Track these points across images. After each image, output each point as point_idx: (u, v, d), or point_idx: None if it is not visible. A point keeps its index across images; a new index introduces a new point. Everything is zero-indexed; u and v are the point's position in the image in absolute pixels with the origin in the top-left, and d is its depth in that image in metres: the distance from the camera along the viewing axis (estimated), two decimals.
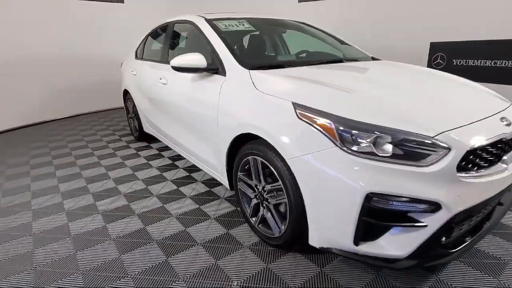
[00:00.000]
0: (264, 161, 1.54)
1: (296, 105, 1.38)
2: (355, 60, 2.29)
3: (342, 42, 2.65)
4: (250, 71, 1.74)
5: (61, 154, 3.48)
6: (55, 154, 3.46)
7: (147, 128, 3.38)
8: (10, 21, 4.53)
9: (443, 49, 3.76)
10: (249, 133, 1.59)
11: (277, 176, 1.47)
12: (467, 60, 3.59)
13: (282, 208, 1.59)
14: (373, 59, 2.40)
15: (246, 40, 2.86)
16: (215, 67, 1.93)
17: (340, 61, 2.24)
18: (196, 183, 2.54)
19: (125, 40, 5.89)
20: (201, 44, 2.25)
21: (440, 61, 3.81)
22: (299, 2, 6.37)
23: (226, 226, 1.93)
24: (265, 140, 1.48)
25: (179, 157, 3.15)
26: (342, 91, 1.43)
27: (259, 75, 1.70)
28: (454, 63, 3.69)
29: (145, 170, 2.88)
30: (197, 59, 1.92)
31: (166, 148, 3.47)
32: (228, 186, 1.97)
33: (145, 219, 2.05)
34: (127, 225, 1.99)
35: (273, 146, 1.44)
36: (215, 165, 2.04)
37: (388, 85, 1.64)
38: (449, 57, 3.73)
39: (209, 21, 2.25)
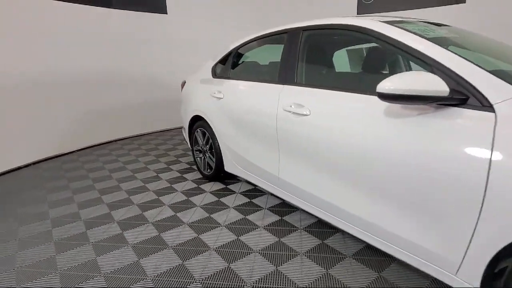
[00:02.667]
0: None
1: None
2: None
3: None
4: None
5: (108, 188, 2.66)
6: (100, 188, 2.64)
7: (233, 167, 2.57)
8: (38, 35, 3.81)
9: None
10: None
11: None
12: None
13: None
14: None
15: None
16: (462, 96, 1.14)
17: None
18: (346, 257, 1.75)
19: (169, 55, 5.20)
20: (379, 58, 1.47)
21: None
22: (357, 14, 5.75)
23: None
24: None
25: (282, 209, 2.32)
26: None
27: None
28: None
29: (254, 233, 2.05)
30: (433, 81, 1.13)
31: (255, 193, 2.65)
32: None
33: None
34: None
35: None
36: (441, 261, 1.22)
37: None
38: None
39: (393, 24, 1.49)
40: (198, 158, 3.10)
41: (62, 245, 2.03)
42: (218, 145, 2.67)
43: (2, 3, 3.39)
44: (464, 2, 4.77)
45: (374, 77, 1.64)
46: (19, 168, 3.64)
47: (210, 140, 2.76)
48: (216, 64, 2.81)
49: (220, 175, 2.85)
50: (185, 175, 3.18)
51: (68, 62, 4.06)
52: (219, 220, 2.22)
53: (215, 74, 2.79)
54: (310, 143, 1.71)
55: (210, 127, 2.72)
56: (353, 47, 2.40)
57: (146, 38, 4.92)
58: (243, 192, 2.69)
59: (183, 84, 3.36)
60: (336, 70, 2.13)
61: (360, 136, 1.44)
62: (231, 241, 1.95)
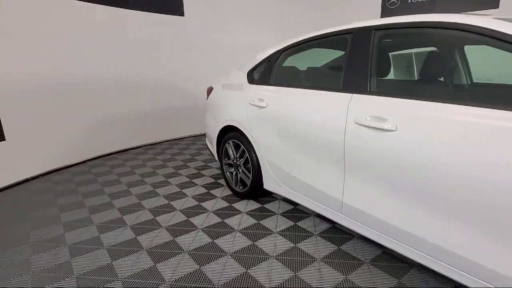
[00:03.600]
0: None
1: None
2: None
3: None
4: None
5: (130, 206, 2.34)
6: (120, 207, 2.33)
7: (275, 185, 2.26)
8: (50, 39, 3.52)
9: None
10: None
11: None
12: None
13: None
14: None
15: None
16: None
17: None
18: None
19: (185, 59, 4.93)
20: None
21: None
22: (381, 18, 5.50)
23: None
24: None
25: (335, 236, 2.01)
26: None
27: None
28: None
29: (312, 267, 1.73)
30: None
31: (297, 214, 2.33)
32: None
33: None
34: None
35: None
36: None
37: None
38: None
39: None
40: (228, 172, 2.79)
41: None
42: (257, 160, 2.36)
43: (1, 2, 3.10)
44: (498, 7, 4.58)
45: (496, 86, 1.35)
46: (26, 180, 3.32)
47: (246, 154, 2.46)
48: (253, 69, 2.52)
49: (255, 193, 2.54)
50: (212, 191, 2.86)
51: (79, 66, 3.77)
52: (266, 249, 1.90)
53: (252, 80, 2.49)
54: (396, 165, 1.40)
55: (247, 139, 2.41)
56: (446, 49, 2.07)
57: (162, 41, 4.64)
58: (284, 213, 2.38)
59: (210, 90, 3.07)
60: (431, 78, 1.80)
61: (469, 160, 1.14)
62: (288, 279, 1.64)
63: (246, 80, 2.54)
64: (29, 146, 3.31)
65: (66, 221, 2.38)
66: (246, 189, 2.57)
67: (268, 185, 2.35)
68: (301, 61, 2.35)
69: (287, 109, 2.05)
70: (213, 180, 3.15)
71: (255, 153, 2.37)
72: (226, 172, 2.81)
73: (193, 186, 3.01)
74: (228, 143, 2.67)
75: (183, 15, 4.81)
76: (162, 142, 4.97)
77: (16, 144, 3.17)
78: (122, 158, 4.13)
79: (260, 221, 2.26)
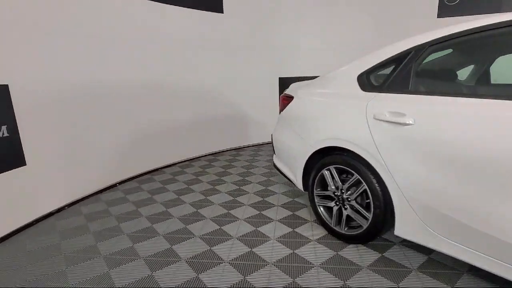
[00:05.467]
0: None
1: None
2: None
3: None
4: None
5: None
6: (189, 258, 1.67)
7: (419, 232, 1.60)
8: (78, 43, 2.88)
9: None
10: None
11: None
12: None
13: None
14: None
15: None
16: None
17: None
18: None
19: (223, 61, 4.30)
20: None
21: None
22: (438, 17, 4.93)
23: None
24: None
25: None
26: None
27: None
28: None
29: None
30: None
31: (441, 270, 1.69)
32: None
33: None
34: None
35: None
36: None
37: None
38: None
39: None
40: (323, 207, 2.14)
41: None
42: (386, 195, 1.71)
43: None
44: None
45: None
46: (50, 214, 2.64)
47: (363, 185, 1.81)
48: (368, 72, 1.89)
49: (373, 237, 1.89)
50: (298, 230, 2.20)
51: (107, 73, 3.12)
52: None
53: (369, 87, 1.85)
54: None
55: (367, 165, 1.77)
56: None
57: (198, 40, 4.01)
58: (423, 270, 1.72)
59: (286, 99, 2.43)
60: None
61: None
62: None
63: (358, 87, 1.90)
64: (54, 171, 2.64)
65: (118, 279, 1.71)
66: (358, 231, 1.91)
67: (403, 230, 1.69)
68: (469, 60, 1.73)
69: (454, 128, 1.41)
70: (289, 213, 2.49)
71: (382, 185, 1.72)
72: (318, 206, 2.16)
73: (268, 223, 2.34)
74: (327, 169, 2.03)
75: (222, 12, 4.19)
76: (199, 157, 4.31)
77: (39, 169, 2.50)
78: (159, 179, 3.46)
79: (399, 286, 1.61)
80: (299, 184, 2.31)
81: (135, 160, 3.50)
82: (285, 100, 2.44)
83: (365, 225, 1.86)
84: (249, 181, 3.29)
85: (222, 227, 2.29)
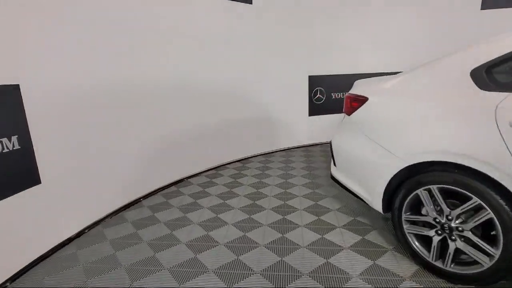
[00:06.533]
0: None
1: None
2: None
3: None
4: None
5: None
6: None
7: None
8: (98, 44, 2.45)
9: None
10: None
11: None
12: None
13: None
14: None
15: None
16: None
17: None
18: None
19: (253, 57, 3.89)
20: None
21: None
22: (481, 9, 4.53)
23: None
24: None
25: None
26: None
27: None
28: None
29: None
30: None
31: None
32: None
33: None
34: None
35: None
36: None
37: None
38: None
39: None
40: (414, 235, 1.72)
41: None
42: None
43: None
44: None
45: None
46: (69, 239, 2.20)
47: (488, 213, 1.39)
48: (489, 66, 1.46)
49: (500, 278, 1.47)
50: (381, 264, 1.78)
51: (120, 70, 2.68)
52: None
53: (493, 84, 1.44)
54: None
55: (498, 188, 1.35)
56: None
57: (226, 35, 3.59)
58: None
59: (357, 99, 2.01)
60: None
61: None
62: None
63: (474, 85, 1.48)
64: (71, 189, 2.20)
65: None
66: (475, 270, 1.49)
67: None
68: None
69: None
70: (358, 237, 2.07)
71: None
72: (409, 233, 1.74)
73: (345, 255, 1.92)
74: (426, 190, 1.61)
75: (251, 3, 3.76)
76: (226, 164, 3.88)
77: (55, 188, 2.06)
78: (186, 191, 3.03)
79: None
80: (377, 205, 1.88)
81: (160, 170, 3.07)
82: (355, 102, 2.02)
83: (487, 263, 1.44)
84: (292, 192, 2.86)
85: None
